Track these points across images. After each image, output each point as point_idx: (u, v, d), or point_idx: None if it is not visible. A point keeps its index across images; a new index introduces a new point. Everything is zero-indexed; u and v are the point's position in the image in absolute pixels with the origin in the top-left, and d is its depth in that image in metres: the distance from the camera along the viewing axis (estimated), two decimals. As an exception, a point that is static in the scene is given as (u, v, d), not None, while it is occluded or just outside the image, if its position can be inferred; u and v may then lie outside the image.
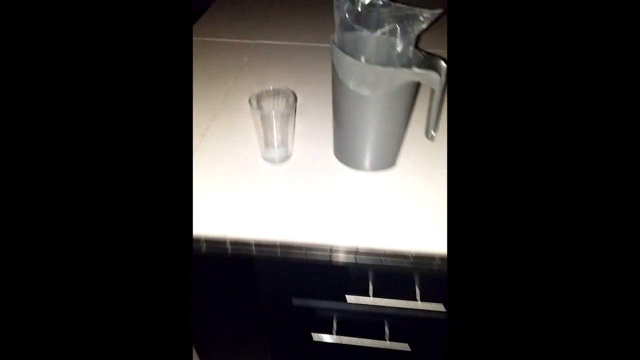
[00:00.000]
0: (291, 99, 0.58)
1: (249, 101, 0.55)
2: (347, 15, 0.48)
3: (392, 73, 0.49)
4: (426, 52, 0.52)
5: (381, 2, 0.48)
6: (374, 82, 0.49)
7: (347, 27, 0.50)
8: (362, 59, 0.54)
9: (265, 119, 0.56)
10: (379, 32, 0.49)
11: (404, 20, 0.48)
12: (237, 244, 0.51)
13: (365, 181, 0.58)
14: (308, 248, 0.51)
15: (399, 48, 0.49)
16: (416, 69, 0.48)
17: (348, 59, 0.49)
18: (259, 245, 0.51)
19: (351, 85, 0.51)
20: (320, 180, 0.58)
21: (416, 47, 0.52)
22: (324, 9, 1.10)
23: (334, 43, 0.51)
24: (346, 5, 0.48)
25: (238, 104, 0.73)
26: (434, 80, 0.49)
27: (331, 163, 0.61)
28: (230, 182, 0.58)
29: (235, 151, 0.63)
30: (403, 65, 0.51)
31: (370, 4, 0.48)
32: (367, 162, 0.59)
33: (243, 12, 1.12)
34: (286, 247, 0.51)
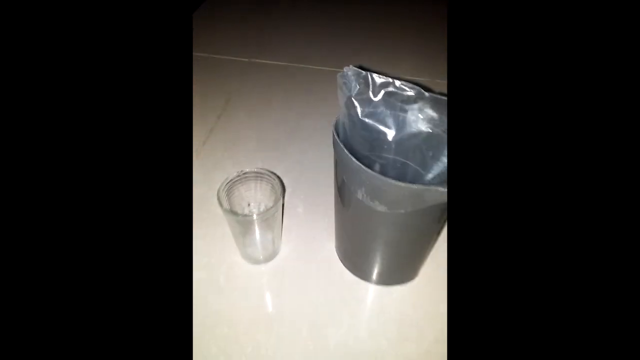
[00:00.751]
0: (278, 188, 0.42)
1: (218, 199, 0.40)
2: (358, 108, 0.32)
3: (420, 192, 0.33)
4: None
5: (410, 92, 0.31)
6: (393, 199, 0.34)
7: (355, 120, 0.34)
8: (378, 166, 0.37)
9: (243, 224, 0.41)
10: (406, 133, 0.32)
11: (443, 119, 0.31)
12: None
13: (373, 297, 0.44)
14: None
15: (435, 155, 0.33)
16: (457, 188, 0.32)
17: (356, 165, 0.33)
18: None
19: (360, 195, 0.35)
20: (314, 297, 0.43)
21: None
22: (339, 21, 0.92)
23: (337, 133, 0.35)
24: (356, 89, 0.32)
25: (222, 155, 0.58)
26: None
27: (330, 265, 0.46)
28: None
29: (204, 241, 0.48)
30: (436, 178, 0.35)
31: (390, 93, 0.31)
32: (378, 278, 0.44)
33: (237, 18, 0.94)
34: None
